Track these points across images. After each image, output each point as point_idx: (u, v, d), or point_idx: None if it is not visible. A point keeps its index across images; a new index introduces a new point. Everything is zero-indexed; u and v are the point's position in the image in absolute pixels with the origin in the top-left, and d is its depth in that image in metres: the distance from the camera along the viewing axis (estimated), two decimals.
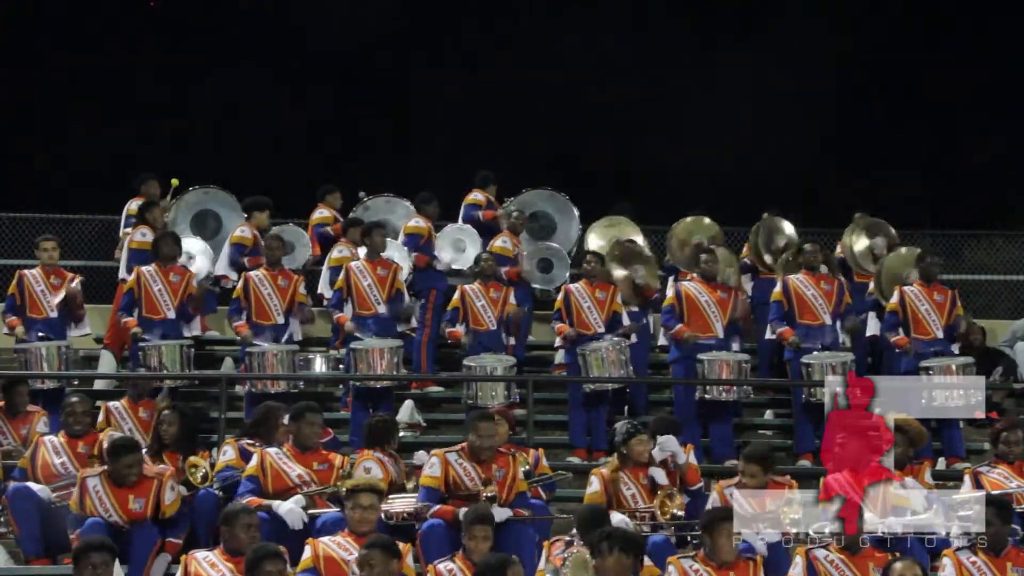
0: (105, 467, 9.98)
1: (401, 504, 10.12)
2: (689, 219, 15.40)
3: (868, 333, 14.42)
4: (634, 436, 10.43)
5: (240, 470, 10.43)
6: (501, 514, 9.62)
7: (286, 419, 10.71)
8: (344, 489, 9.40)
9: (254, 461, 10.17)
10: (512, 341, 13.98)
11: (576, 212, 16.16)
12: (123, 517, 9.77)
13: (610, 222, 15.73)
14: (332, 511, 9.88)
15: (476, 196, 15.96)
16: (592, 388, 13.24)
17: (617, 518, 9.96)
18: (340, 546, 8.99)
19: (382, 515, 9.66)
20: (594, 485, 10.35)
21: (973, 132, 21.74)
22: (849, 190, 20.27)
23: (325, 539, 9.08)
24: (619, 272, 14.54)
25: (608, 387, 13.34)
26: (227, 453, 10.86)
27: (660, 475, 10.38)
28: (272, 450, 10.23)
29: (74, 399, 11.18)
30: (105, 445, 10.38)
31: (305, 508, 9.90)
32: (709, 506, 10.06)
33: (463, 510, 9.46)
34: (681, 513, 10.15)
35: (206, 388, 13.76)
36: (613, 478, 10.35)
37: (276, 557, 8.38)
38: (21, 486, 10.27)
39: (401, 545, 8.90)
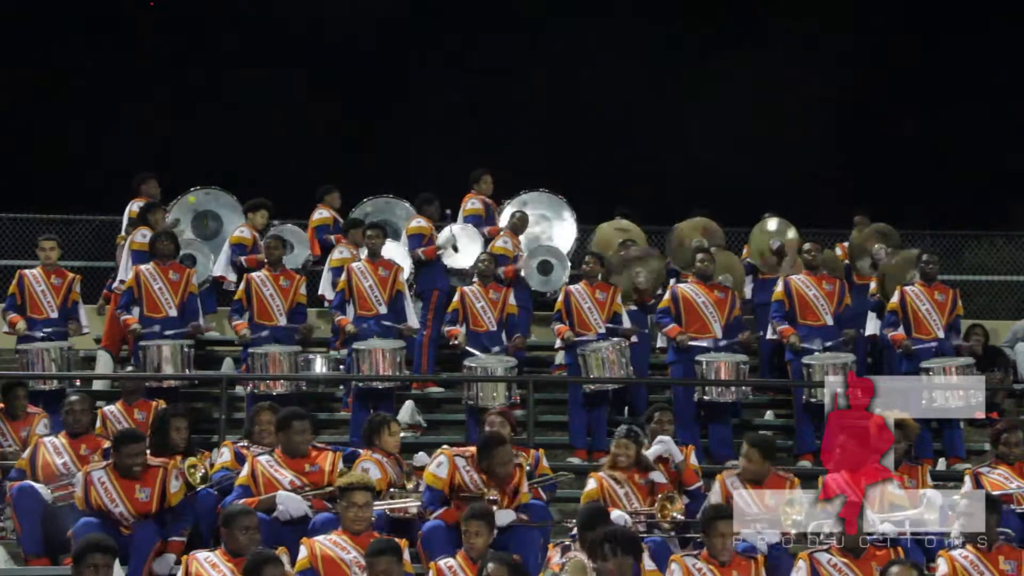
0: (109, 460, 9.94)
1: (402, 502, 10.08)
2: (689, 220, 15.40)
3: (868, 332, 14.41)
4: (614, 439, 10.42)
5: (234, 472, 10.41)
6: (505, 517, 9.62)
7: (262, 417, 10.80)
8: (337, 487, 9.35)
9: (245, 470, 10.08)
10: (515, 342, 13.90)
11: (573, 213, 16.16)
12: (130, 508, 9.72)
13: (617, 225, 15.72)
14: (326, 513, 9.80)
15: (474, 204, 15.88)
16: (592, 388, 13.23)
17: (616, 514, 9.98)
18: (336, 544, 8.96)
19: (386, 511, 9.65)
20: (590, 483, 10.38)
21: (973, 132, 21.74)
22: (849, 190, 20.29)
23: (320, 538, 9.04)
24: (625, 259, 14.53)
25: (608, 387, 13.34)
26: (223, 455, 10.90)
27: (659, 476, 10.39)
28: (263, 458, 10.10)
29: (73, 397, 11.18)
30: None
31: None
32: (711, 499, 10.12)
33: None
34: (681, 516, 10.14)
35: (206, 389, 13.76)
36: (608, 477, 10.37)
37: (275, 562, 8.38)
38: (26, 484, 10.25)
39: (398, 542, 8.92)
